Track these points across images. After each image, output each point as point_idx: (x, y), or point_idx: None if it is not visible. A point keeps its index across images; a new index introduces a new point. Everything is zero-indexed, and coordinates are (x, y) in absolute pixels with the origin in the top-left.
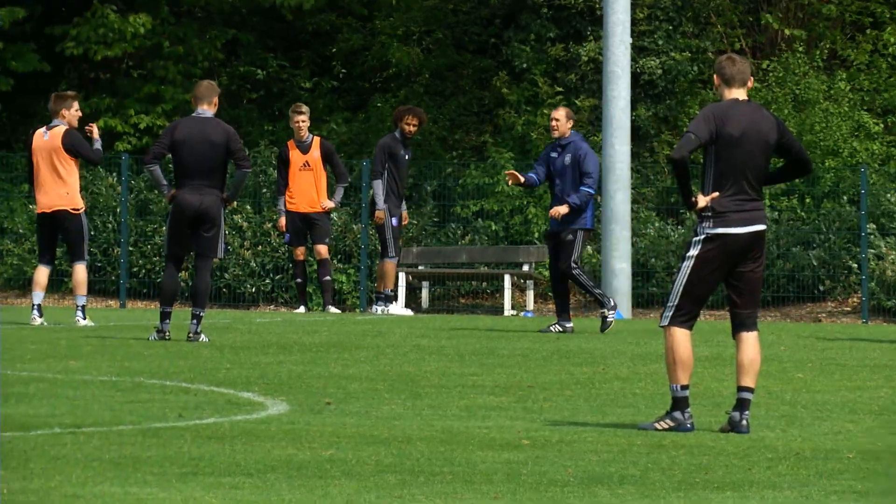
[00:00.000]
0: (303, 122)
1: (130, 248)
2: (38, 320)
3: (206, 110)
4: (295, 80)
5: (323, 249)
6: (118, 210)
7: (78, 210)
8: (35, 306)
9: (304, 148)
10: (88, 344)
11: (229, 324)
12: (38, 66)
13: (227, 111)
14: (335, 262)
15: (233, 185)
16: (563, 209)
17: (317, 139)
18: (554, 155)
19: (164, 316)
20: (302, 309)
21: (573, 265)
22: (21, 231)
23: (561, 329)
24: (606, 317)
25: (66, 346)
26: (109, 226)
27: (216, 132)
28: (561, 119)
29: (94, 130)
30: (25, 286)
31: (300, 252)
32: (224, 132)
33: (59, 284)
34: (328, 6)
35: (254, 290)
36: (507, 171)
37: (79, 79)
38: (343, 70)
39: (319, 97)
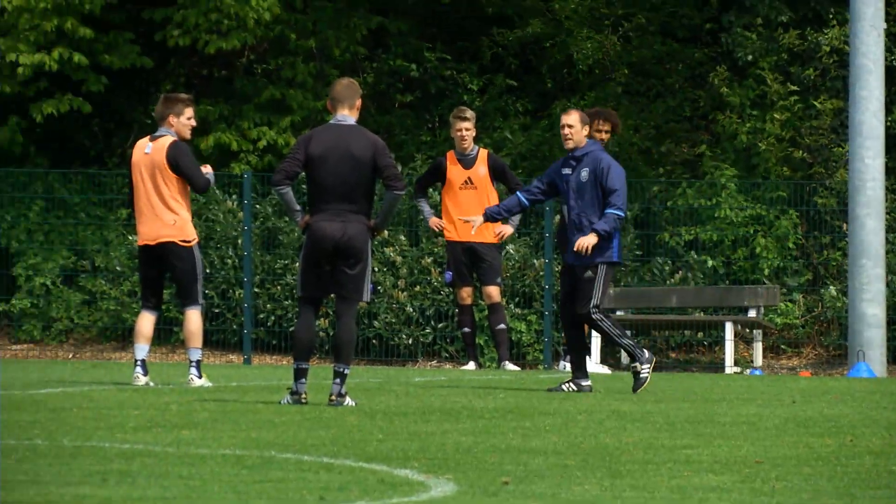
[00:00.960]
0: (466, 129)
1: (256, 290)
2: (143, 379)
3: (347, 116)
4: (459, 78)
5: (494, 291)
6: (240, 242)
7: (189, 242)
8: (138, 362)
9: (468, 162)
10: (205, 409)
11: (381, 384)
12: (137, 62)
13: (375, 117)
14: (511, 306)
15: (382, 211)
16: (590, 240)
17: (483, 152)
18: (567, 171)
19: (300, 374)
20: (471, 365)
21: (593, 310)
22: (119, 269)
23: (576, 388)
24: (640, 372)
25: (177, 413)
26: (229, 261)
27: (360, 144)
28: (575, 125)
29: (210, 170)
30: (126, 337)
31: (466, 294)
32: (370, 144)
33: (168, 335)
34: None
35: (411, 341)
36: (461, 219)
37: (186, 77)
38: (518, 65)
39: (490, 100)
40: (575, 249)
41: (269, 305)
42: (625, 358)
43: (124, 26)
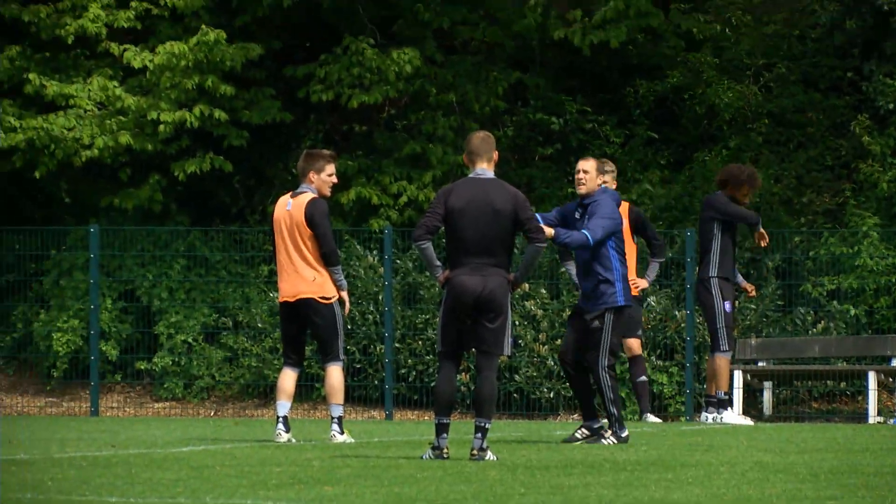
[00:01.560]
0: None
1: (397, 345)
2: (285, 436)
3: (486, 170)
4: (601, 131)
5: (635, 344)
6: (381, 297)
7: (329, 299)
8: (280, 419)
9: None
10: (347, 465)
11: (522, 437)
12: (277, 117)
13: (515, 170)
14: (652, 358)
15: (523, 264)
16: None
17: (625, 204)
18: (577, 216)
19: (441, 429)
20: None
21: (602, 361)
22: (260, 325)
23: (616, 440)
24: (604, 436)
25: (319, 469)
26: (370, 317)
27: (501, 197)
28: (590, 172)
29: (346, 302)
30: (268, 394)
31: None
32: (511, 197)
33: (310, 391)
34: (647, 38)
35: (552, 394)
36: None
37: (326, 132)
38: (658, 116)
39: (630, 151)
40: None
41: (410, 361)
42: (766, 409)
43: (265, 82)
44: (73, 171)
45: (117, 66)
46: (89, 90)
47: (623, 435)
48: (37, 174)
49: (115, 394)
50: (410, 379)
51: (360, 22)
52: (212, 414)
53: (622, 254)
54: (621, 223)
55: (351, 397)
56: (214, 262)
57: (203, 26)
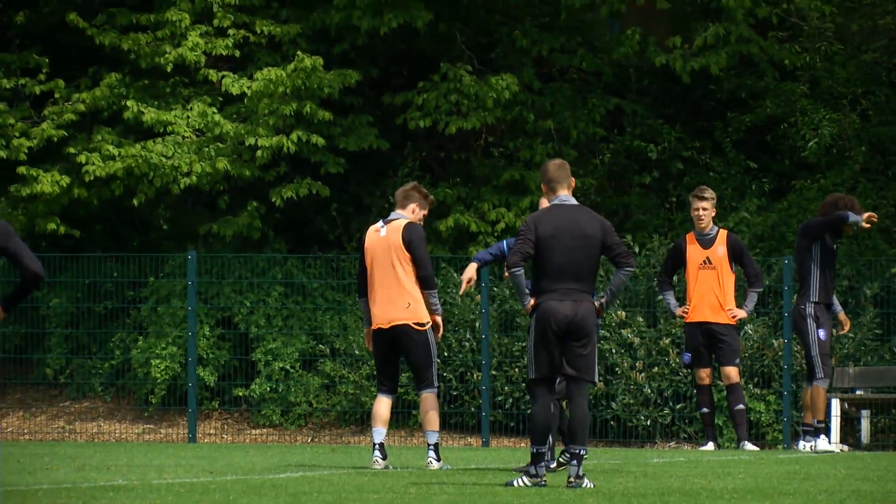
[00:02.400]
0: (704, 210)
1: (493, 373)
2: (381, 463)
3: (569, 196)
4: (699, 159)
5: (733, 372)
6: (477, 325)
7: (423, 325)
8: (376, 446)
9: (707, 242)
10: (444, 493)
11: (619, 465)
12: (374, 144)
13: (613, 198)
14: (750, 386)
15: (611, 290)
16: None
17: (723, 232)
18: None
19: (538, 457)
20: (710, 445)
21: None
22: (358, 352)
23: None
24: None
25: (416, 496)
26: (467, 345)
27: (590, 224)
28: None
29: (440, 327)
30: (364, 421)
31: (705, 375)
32: (599, 224)
33: (407, 418)
34: (740, 68)
35: (649, 422)
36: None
37: (423, 159)
38: (755, 145)
39: (727, 179)
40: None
41: (506, 388)
42: (864, 437)
43: (362, 110)
44: (171, 198)
45: (215, 94)
46: (188, 116)
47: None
48: (135, 202)
49: (213, 420)
50: (507, 406)
51: (457, 49)
52: (309, 441)
53: None
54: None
55: (447, 424)
56: (312, 290)
57: (299, 52)
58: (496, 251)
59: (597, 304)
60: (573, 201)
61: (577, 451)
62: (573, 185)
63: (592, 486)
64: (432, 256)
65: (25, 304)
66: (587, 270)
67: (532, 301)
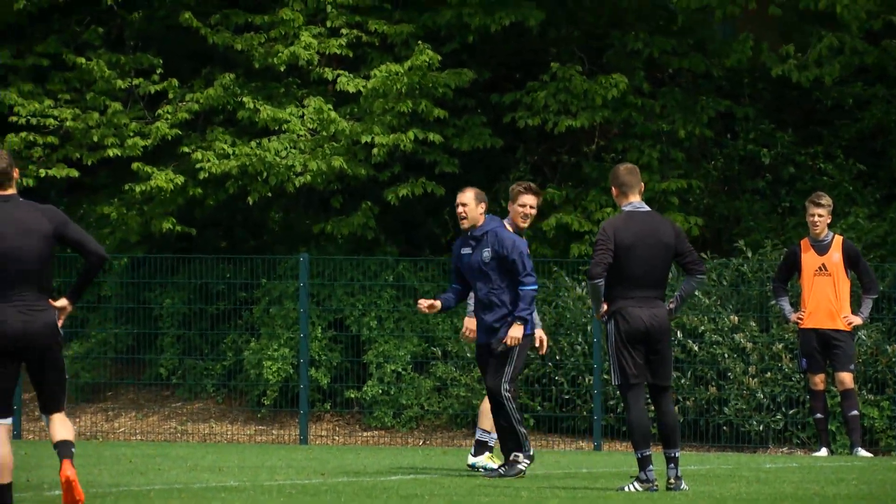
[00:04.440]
0: (820, 216)
1: (605, 377)
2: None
3: (641, 203)
4: (813, 164)
5: (847, 378)
6: (589, 329)
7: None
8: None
9: (822, 248)
10: (555, 496)
11: (732, 470)
12: (488, 142)
13: (724, 202)
14: (863, 392)
15: (681, 297)
16: (517, 332)
17: (838, 238)
18: (467, 251)
19: (646, 462)
20: (823, 451)
21: (504, 385)
22: (469, 355)
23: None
24: (518, 462)
25: (527, 499)
26: (578, 348)
27: (665, 231)
28: (469, 203)
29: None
30: (476, 424)
31: (819, 381)
32: (673, 230)
33: None
34: (852, 75)
35: (761, 427)
36: (419, 302)
37: (535, 163)
38: (868, 150)
39: (839, 184)
40: (506, 343)
41: (618, 392)
42: None
43: (474, 109)
44: (285, 198)
45: (329, 94)
46: (302, 114)
47: (531, 453)
48: (250, 200)
49: (325, 422)
50: (619, 410)
51: (568, 50)
52: (420, 443)
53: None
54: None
55: (559, 428)
56: (423, 293)
57: (420, 43)
58: (531, 309)
59: (668, 307)
60: (646, 207)
61: (672, 454)
62: (643, 189)
63: (687, 488)
64: (536, 256)
65: (137, 305)
66: (662, 277)
67: (605, 307)
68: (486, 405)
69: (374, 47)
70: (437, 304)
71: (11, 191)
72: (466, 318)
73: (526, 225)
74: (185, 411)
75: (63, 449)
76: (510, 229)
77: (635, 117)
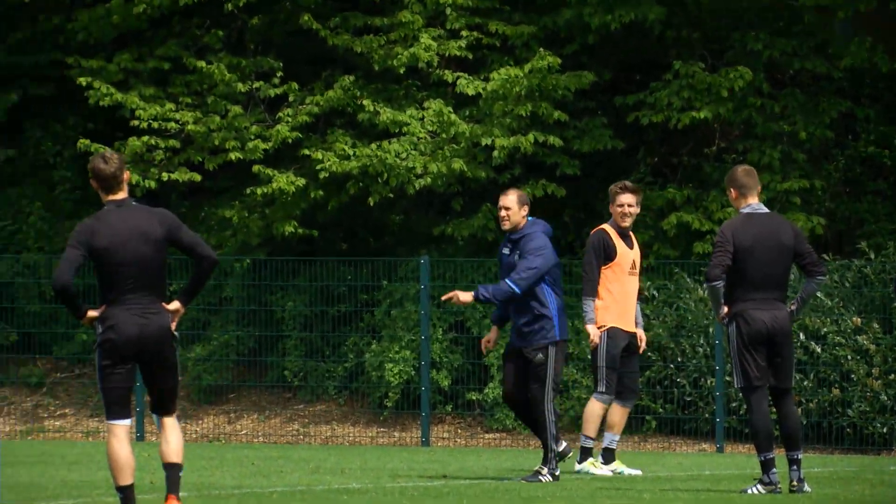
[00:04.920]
0: None
1: (727, 378)
2: (606, 469)
3: (760, 204)
4: None
5: None
6: (711, 330)
7: (599, 327)
8: (603, 451)
9: None
10: (678, 499)
11: (856, 472)
12: (609, 144)
13: (846, 204)
14: None
15: (802, 298)
16: (465, 297)
17: None
18: (506, 251)
19: (769, 464)
20: None
21: (548, 406)
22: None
23: (556, 463)
24: (541, 473)
25: (649, 501)
26: (700, 350)
27: (786, 233)
28: (512, 207)
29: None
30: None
31: None
32: (792, 232)
33: (640, 424)
34: None
35: (885, 430)
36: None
37: (655, 164)
38: None
39: None
40: (444, 298)
41: (740, 394)
42: None
43: (594, 111)
44: (405, 199)
45: (449, 96)
46: (423, 117)
47: (556, 473)
48: (370, 201)
49: (446, 424)
50: (741, 412)
51: (688, 49)
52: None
53: (558, 287)
54: (552, 258)
55: (681, 430)
56: None
57: (541, 49)
58: (503, 296)
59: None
60: (765, 209)
61: (795, 456)
62: (760, 190)
63: (810, 490)
64: (658, 256)
65: (259, 307)
66: (783, 279)
67: (726, 310)
68: (588, 411)
69: (493, 49)
70: (493, 336)
71: (123, 195)
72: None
73: (627, 224)
74: (308, 413)
75: (171, 477)
76: (613, 231)
77: (755, 118)
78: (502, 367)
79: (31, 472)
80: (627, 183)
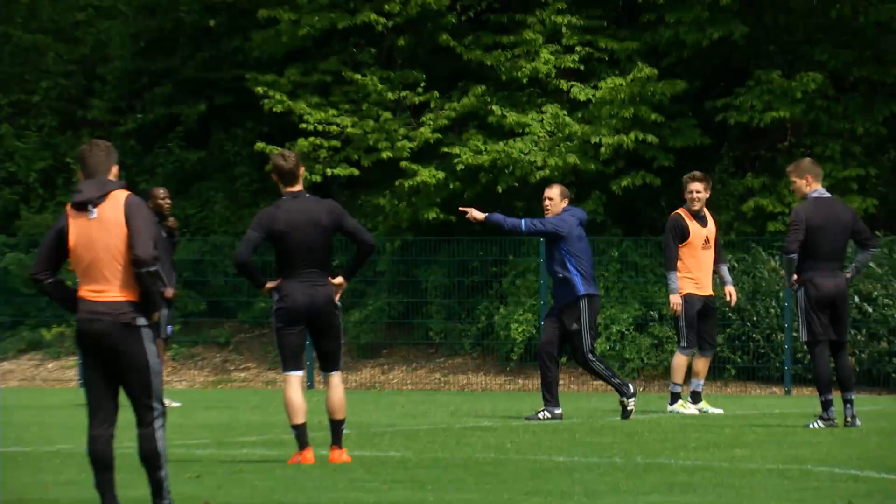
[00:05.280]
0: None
1: (794, 334)
2: (692, 408)
3: (824, 190)
4: None
5: None
6: (781, 295)
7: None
8: (691, 394)
9: None
10: (753, 432)
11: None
12: (698, 140)
13: None
14: None
15: (856, 266)
16: (477, 214)
17: None
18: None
19: (827, 404)
20: None
21: (588, 355)
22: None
23: (550, 416)
24: (626, 405)
25: (730, 435)
26: (772, 311)
27: (846, 213)
28: (555, 198)
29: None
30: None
31: None
32: (851, 213)
33: (721, 372)
34: None
35: None
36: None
37: (737, 158)
38: None
39: None
40: (461, 209)
41: (805, 347)
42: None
43: (686, 113)
44: (528, 188)
45: (564, 101)
46: (542, 119)
47: (632, 391)
48: (499, 189)
49: (561, 373)
50: (805, 362)
51: (768, 60)
52: (641, 390)
53: (575, 255)
54: (566, 229)
55: (755, 377)
56: (643, 266)
57: (639, 62)
58: (510, 226)
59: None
60: (828, 194)
61: (849, 396)
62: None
63: (860, 424)
64: (738, 233)
65: (406, 278)
66: (842, 251)
67: (797, 277)
68: (674, 363)
69: (602, 62)
70: (480, 215)
71: (299, 187)
72: None
73: (697, 207)
74: (447, 365)
75: (335, 430)
76: (687, 214)
77: (822, 117)
78: (543, 326)
79: (221, 416)
80: (696, 173)
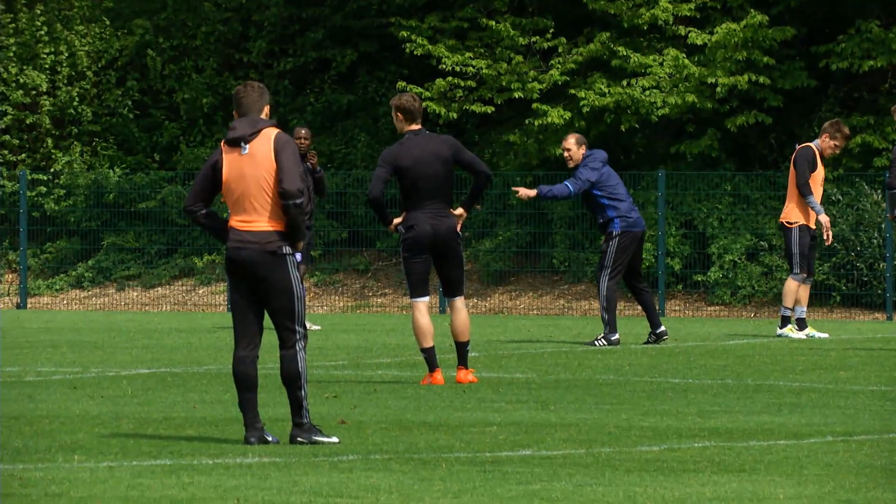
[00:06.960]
0: None
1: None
2: (799, 334)
3: None
4: None
5: None
6: (882, 226)
7: (791, 224)
8: (796, 320)
9: None
10: (857, 355)
11: None
12: (804, 82)
13: None
14: None
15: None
16: (529, 192)
17: None
18: None
19: None
20: None
21: (602, 277)
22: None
23: (606, 343)
24: (595, 341)
25: (835, 358)
26: (875, 241)
27: None
28: (572, 147)
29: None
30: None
31: None
32: None
33: (826, 299)
34: None
35: None
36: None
37: (841, 99)
38: None
39: None
40: (514, 189)
41: None
42: None
43: (794, 57)
44: (649, 128)
45: (682, 46)
46: (662, 61)
47: (613, 338)
48: (622, 128)
49: (677, 300)
50: None
51: (869, 7)
52: (752, 316)
53: (609, 197)
54: (599, 178)
55: (859, 303)
56: (754, 199)
57: (752, 10)
58: (562, 195)
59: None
60: None
61: None
62: None
63: None
64: (846, 168)
65: (534, 210)
66: None
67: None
68: (786, 288)
69: (716, 10)
70: (531, 192)
71: (418, 126)
72: None
73: (829, 154)
74: (571, 292)
75: (460, 352)
76: (816, 151)
77: None
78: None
79: (358, 339)
80: (849, 133)
